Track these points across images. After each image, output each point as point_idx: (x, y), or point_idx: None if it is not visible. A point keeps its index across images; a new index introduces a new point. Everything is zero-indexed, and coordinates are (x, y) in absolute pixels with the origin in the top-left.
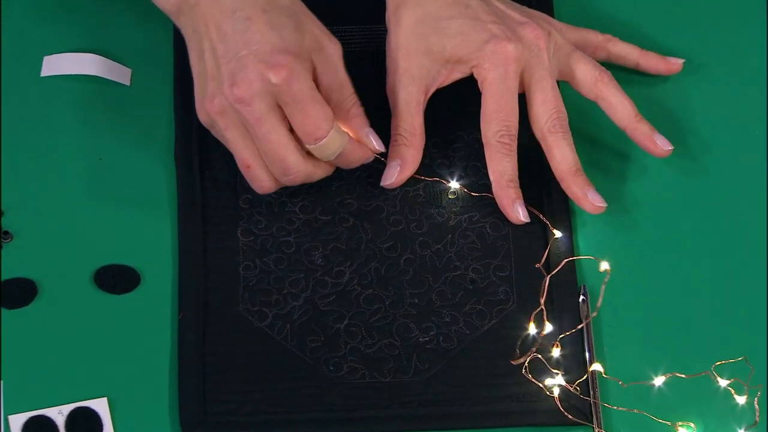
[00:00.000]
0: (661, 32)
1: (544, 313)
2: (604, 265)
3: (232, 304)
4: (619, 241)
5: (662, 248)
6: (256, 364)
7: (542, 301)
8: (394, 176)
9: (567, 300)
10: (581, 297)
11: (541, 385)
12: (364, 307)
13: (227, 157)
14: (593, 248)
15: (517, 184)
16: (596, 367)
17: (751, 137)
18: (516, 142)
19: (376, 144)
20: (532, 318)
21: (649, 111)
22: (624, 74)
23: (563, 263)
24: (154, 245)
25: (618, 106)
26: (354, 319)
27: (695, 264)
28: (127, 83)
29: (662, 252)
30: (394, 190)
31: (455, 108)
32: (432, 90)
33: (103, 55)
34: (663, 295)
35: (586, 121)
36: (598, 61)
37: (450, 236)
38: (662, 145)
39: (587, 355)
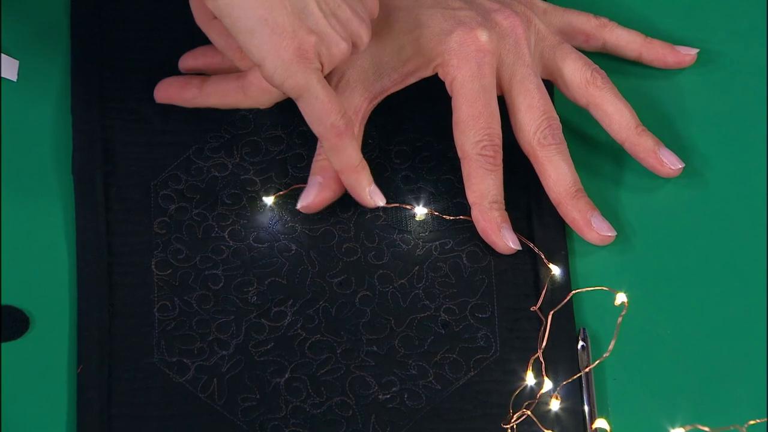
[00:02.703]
0: (668, 15)
1: (543, 365)
2: (621, 298)
3: (144, 354)
4: (622, 271)
5: (675, 279)
6: (175, 429)
7: (541, 350)
8: (310, 196)
9: (563, 346)
10: (580, 343)
11: None
12: (310, 356)
13: (140, 168)
14: (589, 279)
15: (503, 206)
16: (600, 424)
17: None
18: (501, 153)
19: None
20: (530, 367)
21: (652, 116)
22: (621, 68)
23: (569, 297)
24: (46, 281)
25: (615, 115)
26: (297, 371)
27: (717, 298)
28: (14, 78)
29: (676, 283)
30: (346, 210)
31: (423, 108)
32: (379, 98)
33: None
34: (679, 336)
35: (578, 122)
36: (591, 52)
37: (417, 268)
38: (670, 163)
39: (586, 409)
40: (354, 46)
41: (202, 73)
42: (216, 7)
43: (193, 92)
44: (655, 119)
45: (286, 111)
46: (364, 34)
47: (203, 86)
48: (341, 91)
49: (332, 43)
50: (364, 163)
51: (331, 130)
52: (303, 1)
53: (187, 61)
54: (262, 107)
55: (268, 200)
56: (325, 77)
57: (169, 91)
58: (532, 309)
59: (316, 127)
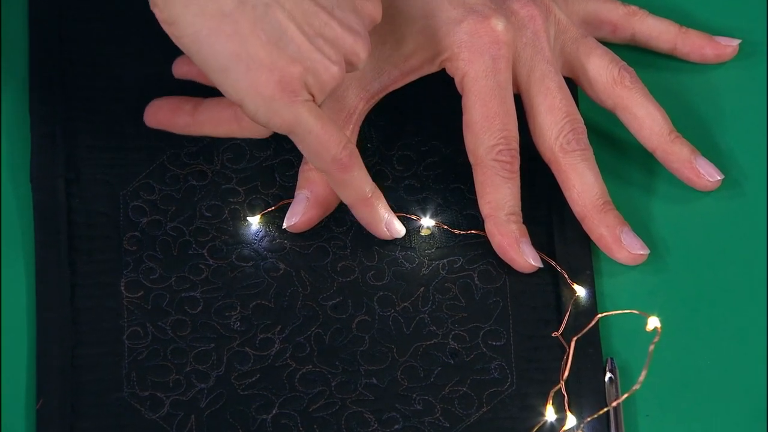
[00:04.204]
0: (705, 2)
1: (565, 398)
2: (653, 323)
3: (112, 387)
4: (654, 293)
5: (714, 301)
6: None
7: (563, 381)
8: (297, 215)
9: (588, 377)
10: (608, 374)
11: None
12: (300, 390)
13: (107, 176)
14: (617, 302)
15: (521, 218)
16: None
17: None
18: (518, 160)
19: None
20: (550, 400)
21: (688, 119)
22: (652, 63)
23: (594, 321)
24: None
25: (645, 119)
26: (287, 407)
27: (761, 324)
28: None
29: (715, 307)
30: (341, 224)
31: (429, 107)
32: (377, 98)
33: None
34: (719, 366)
35: (605, 125)
36: (619, 45)
37: (422, 290)
38: (707, 175)
39: None
40: (349, 64)
41: (196, 83)
42: (182, 45)
43: (185, 119)
44: (691, 123)
45: None
46: (360, 50)
47: (196, 113)
48: (334, 90)
49: (320, 69)
50: (377, 192)
51: (333, 165)
52: (280, 27)
53: (181, 67)
54: (259, 137)
55: (254, 220)
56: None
57: (158, 116)
58: (553, 335)
59: (315, 164)
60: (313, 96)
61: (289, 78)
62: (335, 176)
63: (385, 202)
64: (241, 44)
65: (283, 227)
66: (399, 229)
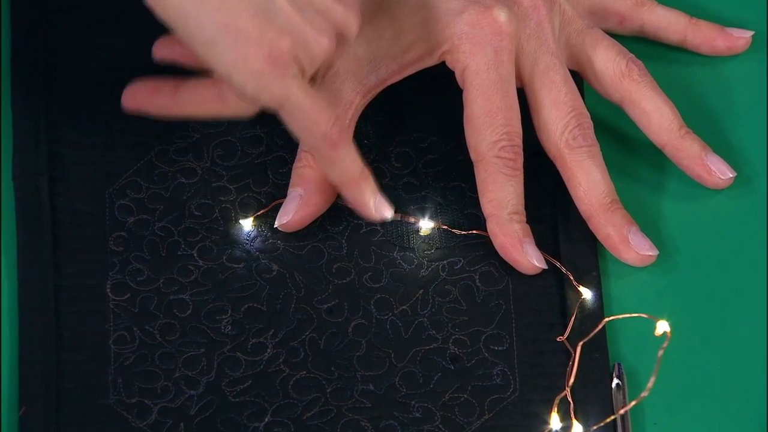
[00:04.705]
0: None
1: (571, 405)
2: (663, 327)
3: (98, 394)
4: (663, 295)
5: (726, 305)
6: None
7: (569, 387)
8: (290, 213)
9: (594, 383)
10: (615, 380)
11: None
12: (294, 397)
13: (93, 174)
14: (625, 305)
15: (524, 218)
16: None
17: None
18: (521, 156)
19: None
20: (555, 407)
21: (698, 114)
22: (661, 55)
23: (601, 325)
24: None
25: (654, 114)
26: (280, 414)
27: None
28: None
29: (726, 310)
30: (337, 224)
31: (428, 103)
32: (374, 92)
33: None
34: (731, 372)
35: (612, 120)
36: (626, 36)
37: (421, 292)
38: (719, 172)
39: None
40: (340, 37)
41: (177, 68)
42: (167, 18)
43: (165, 100)
44: (702, 118)
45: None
46: (351, 22)
47: (177, 93)
48: (329, 83)
49: (310, 41)
50: (366, 171)
51: (322, 141)
52: None
53: (162, 49)
54: (244, 117)
55: (246, 222)
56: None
57: (137, 98)
58: (558, 339)
59: (305, 140)
60: (303, 70)
61: (279, 52)
62: (324, 153)
63: (373, 183)
64: (229, 16)
65: (275, 226)
66: (387, 209)
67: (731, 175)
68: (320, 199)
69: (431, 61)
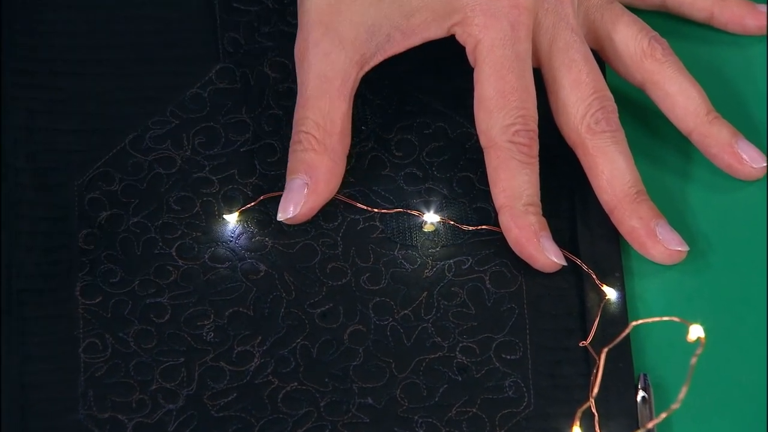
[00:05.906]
0: None
1: (596, 418)
2: (696, 332)
3: (67, 408)
4: (695, 298)
5: (764, 307)
6: None
7: (592, 398)
8: (299, 203)
9: (617, 395)
10: (641, 393)
11: None
12: (284, 411)
13: (60, 164)
14: (652, 308)
15: (540, 210)
16: None
17: None
18: (537, 142)
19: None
20: (576, 421)
21: (727, 98)
22: (686, 33)
23: (627, 331)
24: None
25: (679, 97)
26: (268, 430)
27: None
28: None
29: (765, 314)
30: (332, 219)
31: (434, 81)
32: (372, 63)
33: None
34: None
35: (637, 102)
36: (648, 13)
37: (425, 295)
38: (751, 160)
39: None
40: None
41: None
42: None
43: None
44: (731, 102)
45: (252, 88)
46: None
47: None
48: (323, 52)
49: None
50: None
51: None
52: None
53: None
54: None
55: (231, 217)
56: (301, 31)
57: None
58: (581, 344)
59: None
60: None
61: None
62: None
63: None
64: None
65: (278, 219)
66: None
67: (764, 164)
68: (326, 187)
69: (439, 33)
